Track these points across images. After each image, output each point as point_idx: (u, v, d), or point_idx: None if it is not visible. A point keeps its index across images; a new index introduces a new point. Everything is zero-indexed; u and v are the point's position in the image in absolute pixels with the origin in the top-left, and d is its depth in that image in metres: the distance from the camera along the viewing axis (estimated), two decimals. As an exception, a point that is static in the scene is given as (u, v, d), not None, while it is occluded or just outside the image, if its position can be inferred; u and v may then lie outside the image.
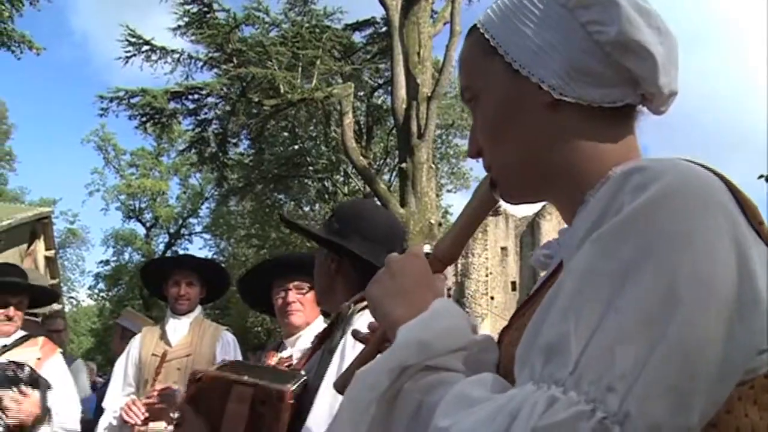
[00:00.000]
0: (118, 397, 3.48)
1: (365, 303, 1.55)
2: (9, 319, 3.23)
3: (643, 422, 0.58)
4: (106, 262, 38.88)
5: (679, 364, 0.59)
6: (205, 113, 16.51)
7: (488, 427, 0.62)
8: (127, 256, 39.13)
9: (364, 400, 0.78)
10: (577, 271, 0.67)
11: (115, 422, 3.37)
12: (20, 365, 2.99)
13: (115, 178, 39.49)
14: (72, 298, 39.10)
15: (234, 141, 18.41)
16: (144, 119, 16.07)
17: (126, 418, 3.20)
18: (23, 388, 2.94)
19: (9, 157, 39.04)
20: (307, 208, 25.36)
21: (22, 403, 2.92)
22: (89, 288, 39.05)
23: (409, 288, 0.92)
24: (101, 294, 38.09)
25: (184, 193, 38.26)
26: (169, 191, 38.85)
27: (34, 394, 2.97)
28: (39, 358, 3.23)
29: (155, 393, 3.16)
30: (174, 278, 3.60)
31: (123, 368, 3.59)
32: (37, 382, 3.00)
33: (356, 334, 1.16)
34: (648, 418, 0.58)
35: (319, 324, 2.78)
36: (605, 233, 0.66)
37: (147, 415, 3.17)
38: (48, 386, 3.05)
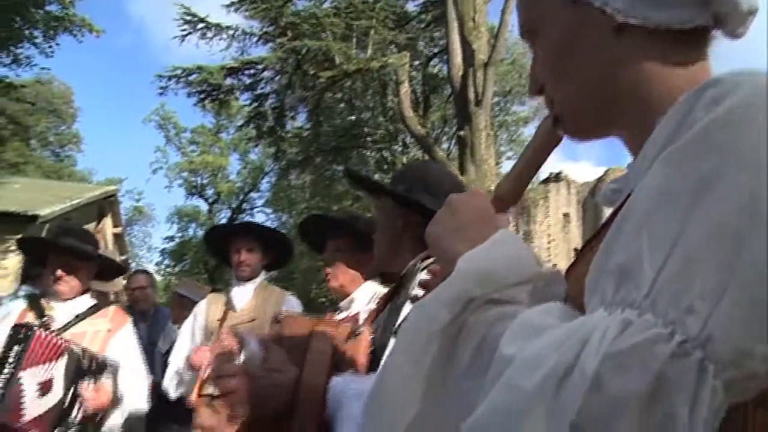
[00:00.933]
0: (184, 354, 3.55)
1: (433, 259, 1.53)
2: (60, 279, 3.23)
3: (727, 346, 0.53)
4: (171, 238, 39.73)
5: (766, 283, 0.53)
6: (262, 88, 16.55)
7: (556, 353, 0.57)
8: (191, 231, 39.89)
9: (424, 335, 0.74)
10: (649, 190, 0.61)
11: (182, 368, 3.47)
12: (92, 355, 3.00)
13: (177, 155, 40.21)
14: (141, 273, 40.10)
15: (291, 115, 18.43)
16: (202, 96, 16.20)
17: (192, 362, 3.28)
18: (98, 377, 2.98)
19: (76, 139, 40.00)
20: (365, 180, 25.32)
21: (98, 393, 2.96)
22: (156, 264, 39.96)
23: (470, 223, 0.88)
24: (167, 269, 38.98)
25: (245, 168, 38.69)
26: (230, 167, 39.36)
27: (108, 383, 3.01)
28: (109, 330, 3.27)
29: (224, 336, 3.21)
30: (236, 245, 3.66)
31: (190, 331, 3.69)
32: (109, 369, 3.04)
33: (421, 283, 1.12)
34: (733, 342, 0.52)
35: (370, 287, 2.73)
36: (678, 149, 0.61)
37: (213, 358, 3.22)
38: (117, 370, 3.08)
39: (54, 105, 35.79)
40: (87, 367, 2.96)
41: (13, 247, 14.30)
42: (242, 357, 2.98)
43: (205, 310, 3.71)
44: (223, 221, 37.95)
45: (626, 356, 0.53)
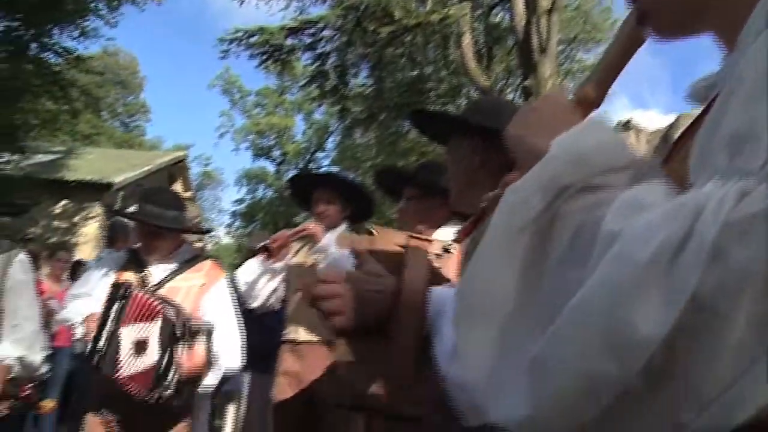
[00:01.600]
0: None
1: None
2: (149, 247, 3.37)
3: None
4: (241, 201, 40.37)
5: None
6: (322, 47, 16.47)
7: (667, 226, 0.53)
8: (260, 193, 40.48)
9: (516, 224, 0.69)
10: (760, 60, 0.55)
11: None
12: (186, 322, 3.07)
13: (243, 118, 40.65)
14: (213, 236, 41.08)
15: (353, 72, 18.34)
16: (264, 58, 16.23)
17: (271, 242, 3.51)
18: (192, 342, 3.05)
19: (144, 108, 40.90)
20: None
21: (192, 358, 3.04)
22: (227, 226, 40.79)
23: (555, 118, 0.82)
24: (239, 231, 39.71)
25: (310, 128, 38.84)
26: (295, 127, 39.61)
27: (201, 347, 3.07)
28: (203, 284, 3.34)
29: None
30: (315, 195, 3.74)
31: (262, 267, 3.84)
32: (202, 332, 3.10)
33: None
34: None
35: (446, 232, 2.65)
36: None
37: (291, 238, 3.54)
38: (211, 333, 3.14)
39: (121, 76, 36.56)
40: (181, 333, 3.03)
41: (92, 214, 14.79)
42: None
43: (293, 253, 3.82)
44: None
45: (748, 225, 0.49)
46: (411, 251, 1.49)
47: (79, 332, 3.26)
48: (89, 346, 3.05)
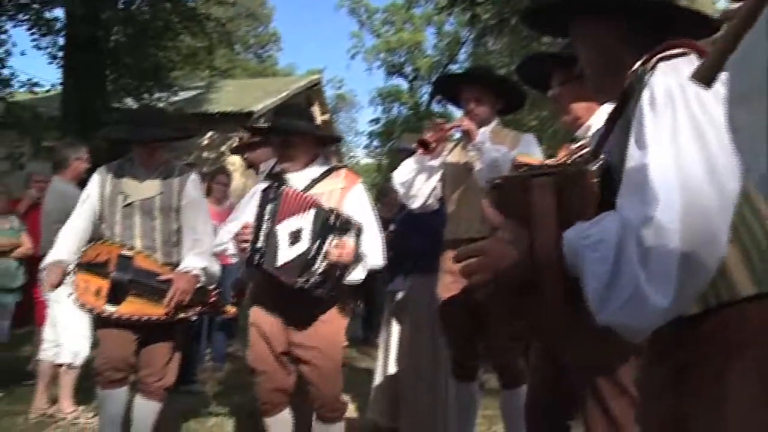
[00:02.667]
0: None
1: (661, 55, 1.39)
2: (284, 156, 3.47)
3: None
4: (377, 120, 40.68)
5: None
6: (448, -48, 15.92)
7: None
8: (395, 111, 40.56)
9: None
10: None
11: None
12: (339, 213, 3.21)
13: (372, 38, 40.49)
14: (352, 157, 41.72)
15: (481, -24, 17.65)
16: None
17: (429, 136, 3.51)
18: (342, 234, 3.17)
19: (275, 38, 41.48)
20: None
21: (341, 249, 3.14)
22: (365, 147, 41.30)
23: None
24: (377, 150, 40.12)
25: (440, 41, 38.22)
26: (426, 42, 39.08)
27: (351, 240, 3.17)
28: (343, 188, 3.45)
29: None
30: (464, 94, 3.68)
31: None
32: (353, 227, 3.21)
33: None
34: None
35: (608, 109, 2.52)
36: None
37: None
38: (361, 230, 3.24)
39: (250, 9, 37.13)
40: (333, 224, 3.17)
41: (236, 143, 15.33)
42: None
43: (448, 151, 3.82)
44: (425, 96, 38.14)
45: None
46: (535, 192, 1.46)
47: (231, 249, 3.41)
48: (249, 249, 3.23)
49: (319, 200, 3.27)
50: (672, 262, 1.18)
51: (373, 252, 3.34)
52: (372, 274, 3.40)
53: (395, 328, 4.71)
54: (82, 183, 4.33)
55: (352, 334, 7.37)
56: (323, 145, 3.76)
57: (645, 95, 1.33)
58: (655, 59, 1.39)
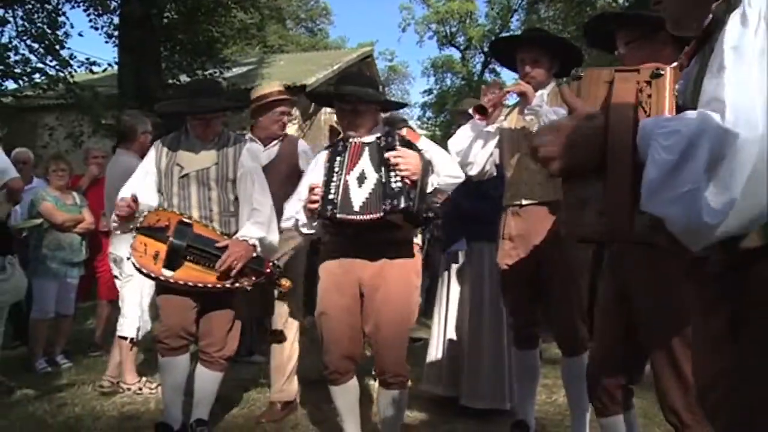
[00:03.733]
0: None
1: None
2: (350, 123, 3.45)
3: None
4: (429, 91, 40.45)
5: None
6: None
7: None
8: (448, 81, 40.23)
9: None
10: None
11: None
12: (388, 133, 3.33)
13: (423, 8, 40.09)
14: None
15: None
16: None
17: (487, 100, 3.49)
18: (400, 148, 3.21)
19: (325, 11, 41.35)
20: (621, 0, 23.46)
21: (404, 157, 3.15)
22: (418, 119, 41.08)
23: None
24: (430, 121, 39.90)
25: (492, 9, 37.65)
26: (477, 11, 38.54)
27: (412, 152, 3.20)
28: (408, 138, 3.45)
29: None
30: (520, 56, 3.64)
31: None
32: (403, 141, 3.28)
33: None
34: None
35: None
36: None
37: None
38: (411, 143, 3.31)
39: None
40: (385, 144, 3.25)
41: (294, 120, 15.37)
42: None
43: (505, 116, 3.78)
44: (479, 66, 37.73)
45: None
46: (618, 80, 1.48)
47: (302, 219, 3.40)
48: (320, 205, 3.24)
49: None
50: (739, 175, 1.13)
51: (444, 162, 3.38)
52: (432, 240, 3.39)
53: (454, 296, 4.67)
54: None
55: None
56: (387, 111, 3.74)
57: (735, 16, 1.25)
58: None
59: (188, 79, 12.93)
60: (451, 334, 4.64)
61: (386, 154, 3.18)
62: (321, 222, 3.34)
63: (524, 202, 3.57)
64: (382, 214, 3.12)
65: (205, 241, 3.57)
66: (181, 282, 3.53)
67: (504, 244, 3.67)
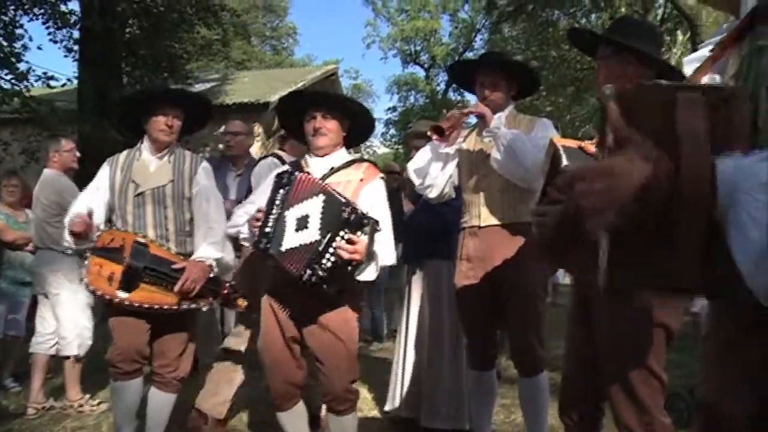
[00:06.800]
0: None
1: None
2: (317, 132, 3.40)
3: None
4: (393, 109, 40.54)
5: None
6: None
7: None
8: (412, 99, 40.39)
9: None
10: None
11: None
12: (354, 207, 3.05)
13: (387, 26, 40.32)
14: (368, 148, 41.68)
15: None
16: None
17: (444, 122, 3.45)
18: (356, 231, 3.02)
19: (292, 30, 41.36)
20: (583, 21, 23.80)
21: (353, 245, 2.99)
22: (381, 135, 41.14)
23: None
24: (393, 139, 39.99)
25: (456, 28, 38.01)
26: (441, 29, 38.88)
27: (364, 239, 3.02)
28: (361, 179, 3.35)
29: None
30: (479, 80, 3.65)
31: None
32: (368, 225, 3.04)
33: None
34: None
35: None
36: None
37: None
38: (377, 228, 3.09)
39: (267, 1, 37.14)
40: (347, 219, 3.02)
41: (258, 137, 15.30)
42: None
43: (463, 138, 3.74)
44: (442, 84, 37.97)
45: None
46: (682, 106, 1.16)
47: (244, 232, 3.37)
48: (257, 234, 3.19)
49: (332, 188, 3.16)
50: None
51: (386, 251, 3.21)
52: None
53: (413, 316, 4.65)
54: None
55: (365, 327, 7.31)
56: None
57: None
58: None
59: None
60: (411, 355, 4.61)
61: (338, 241, 2.99)
62: None
63: (482, 224, 3.57)
64: (299, 275, 3.02)
65: (162, 262, 3.50)
66: (137, 304, 3.45)
67: (461, 265, 3.66)
